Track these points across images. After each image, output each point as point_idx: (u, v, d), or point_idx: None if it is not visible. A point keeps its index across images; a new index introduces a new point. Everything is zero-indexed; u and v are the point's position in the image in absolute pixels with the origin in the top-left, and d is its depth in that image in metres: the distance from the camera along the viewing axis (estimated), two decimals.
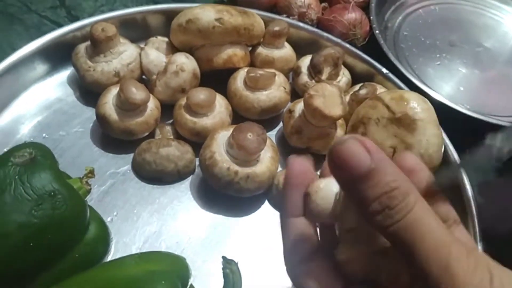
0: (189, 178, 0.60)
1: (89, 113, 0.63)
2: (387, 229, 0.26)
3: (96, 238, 0.44)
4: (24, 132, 0.61)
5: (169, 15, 0.68)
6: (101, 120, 0.58)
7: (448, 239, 0.26)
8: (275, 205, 0.59)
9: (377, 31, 0.74)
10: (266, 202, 0.59)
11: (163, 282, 0.37)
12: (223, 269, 0.41)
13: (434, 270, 0.25)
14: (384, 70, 0.68)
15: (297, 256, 0.32)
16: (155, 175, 0.58)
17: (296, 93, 0.68)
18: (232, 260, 0.41)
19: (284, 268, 0.52)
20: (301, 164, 0.33)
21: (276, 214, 0.59)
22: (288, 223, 0.33)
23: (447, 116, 0.59)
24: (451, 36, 0.87)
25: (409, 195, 0.26)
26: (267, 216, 0.58)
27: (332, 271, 0.30)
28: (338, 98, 0.58)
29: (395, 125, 0.56)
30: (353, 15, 0.76)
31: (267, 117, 0.65)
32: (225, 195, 0.57)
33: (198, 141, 0.60)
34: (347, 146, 0.27)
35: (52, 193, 0.41)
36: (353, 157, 0.26)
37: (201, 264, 0.53)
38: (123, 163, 0.60)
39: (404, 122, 0.56)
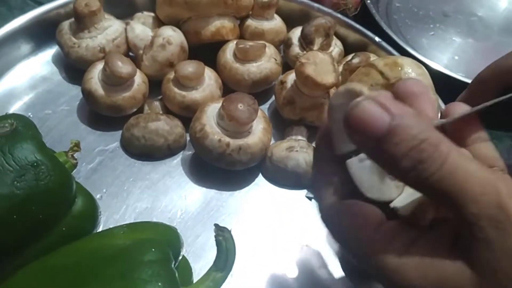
0: (180, 154, 0.59)
1: (75, 91, 0.62)
2: (423, 184, 0.25)
3: (83, 211, 0.43)
4: (9, 111, 0.59)
5: None
6: (87, 96, 0.57)
7: (492, 177, 0.25)
8: (269, 177, 0.57)
9: (368, 1, 0.72)
10: (260, 175, 0.58)
11: (153, 249, 0.36)
12: (215, 236, 0.39)
13: (485, 213, 0.24)
14: (377, 39, 0.66)
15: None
16: (145, 151, 0.56)
17: (287, 66, 0.67)
18: (224, 228, 0.40)
19: (277, 241, 0.52)
20: None
21: (270, 186, 0.57)
22: None
23: (443, 84, 0.58)
24: (444, 6, 0.85)
25: (439, 144, 0.25)
26: (261, 190, 0.57)
27: None
28: (330, 65, 0.56)
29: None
30: None
31: (259, 90, 0.63)
32: (217, 170, 0.55)
33: (187, 115, 0.58)
34: (362, 108, 0.25)
35: (35, 164, 0.39)
36: (371, 118, 0.25)
37: (194, 239, 0.52)
38: (112, 140, 0.58)
39: None
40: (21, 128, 0.41)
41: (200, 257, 0.50)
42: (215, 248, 0.49)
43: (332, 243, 0.53)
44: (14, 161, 0.39)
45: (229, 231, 0.40)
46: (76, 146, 0.46)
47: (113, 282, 0.34)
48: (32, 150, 0.40)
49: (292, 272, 0.51)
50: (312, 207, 0.56)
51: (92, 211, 0.44)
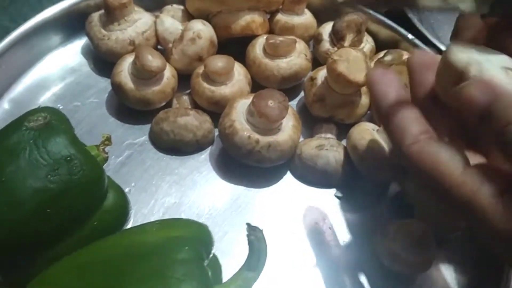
0: (208, 149, 0.58)
1: (104, 84, 0.61)
2: None
3: (115, 206, 0.43)
4: (39, 103, 0.59)
5: None
6: (117, 89, 0.56)
7: None
8: (298, 175, 0.57)
9: None
10: (288, 173, 0.57)
11: (186, 248, 0.36)
12: (248, 236, 0.39)
13: None
14: (410, 36, 0.65)
15: None
16: (173, 145, 0.56)
17: (317, 61, 0.66)
18: (257, 227, 0.39)
19: (304, 240, 0.51)
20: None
21: (299, 184, 0.56)
22: None
23: None
24: None
25: None
26: (289, 187, 0.56)
27: None
28: (363, 63, 0.55)
29: None
30: None
31: (287, 86, 0.62)
32: (245, 166, 0.55)
33: (216, 110, 0.58)
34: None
35: (68, 158, 0.39)
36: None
37: (222, 235, 0.52)
38: (140, 133, 0.58)
39: None
40: (54, 121, 0.41)
41: (227, 254, 0.49)
42: (243, 245, 0.48)
43: (365, 243, 0.52)
44: (47, 155, 0.39)
45: (261, 231, 0.40)
46: (108, 140, 0.46)
47: (147, 280, 0.34)
48: (65, 144, 0.40)
49: (319, 272, 0.50)
50: (341, 206, 0.55)
51: (123, 206, 0.44)
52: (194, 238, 0.38)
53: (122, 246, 0.37)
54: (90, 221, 0.41)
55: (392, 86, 0.36)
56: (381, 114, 0.36)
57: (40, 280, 0.36)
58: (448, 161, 0.31)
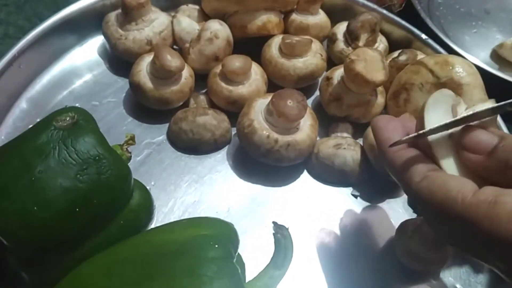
0: (225, 148, 0.59)
1: (121, 83, 0.62)
2: None
3: (140, 205, 0.43)
4: (56, 102, 0.60)
5: None
6: (136, 88, 0.57)
7: None
8: (315, 174, 0.57)
9: None
10: (305, 171, 0.58)
11: (216, 246, 0.36)
12: (274, 234, 0.40)
13: None
14: (424, 36, 0.66)
15: None
16: (192, 145, 0.57)
17: (331, 61, 0.66)
18: (283, 225, 0.40)
19: (322, 239, 0.52)
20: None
21: (316, 183, 0.57)
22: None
23: (488, 83, 0.57)
24: (486, 4, 0.84)
25: None
26: (306, 186, 0.57)
27: None
28: (380, 63, 0.56)
29: None
30: None
31: (303, 86, 0.63)
32: (262, 165, 0.55)
33: (233, 110, 0.58)
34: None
35: (97, 158, 0.40)
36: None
37: (241, 234, 0.51)
38: (158, 133, 0.58)
39: (449, 87, 0.53)
40: (82, 121, 0.42)
41: (247, 252, 0.50)
42: (262, 243, 0.49)
43: (381, 240, 0.53)
44: (77, 154, 0.39)
45: (287, 229, 0.40)
46: (132, 140, 0.46)
47: (179, 278, 0.34)
48: (93, 144, 0.40)
49: (337, 269, 0.51)
50: (357, 204, 0.56)
51: (148, 205, 0.45)
52: (222, 236, 0.38)
53: (152, 245, 0.38)
54: (117, 220, 0.42)
55: (396, 132, 0.38)
56: (387, 159, 0.37)
57: (71, 278, 0.37)
58: (459, 186, 0.31)
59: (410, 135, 0.36)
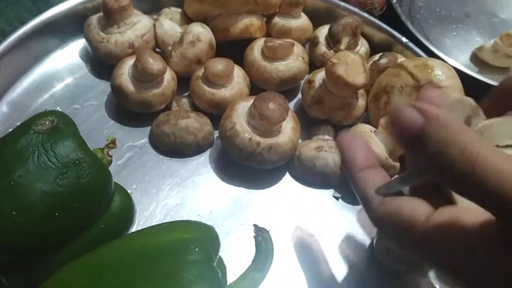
0: (208, 151, 0.59)
1: (103, 86, 0.62)
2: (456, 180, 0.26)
3: (121, 209, 0.43)
4: (37, 105, 0.59)
5: None
6: (117, 92, 0.57)
7: None
8: (297, 176, 0.58)
9: (394, 0, 0.72)
10: (287, 174, 0.58)
11: (197, 249, 0.36)
12: (255, 237, 0.40)
13: None
14: (404, 39, 0.66)
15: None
16: (174, 148, 0.57)
17: (313, 64, 0.67)
18: (264, 228, 0.40)
19: (303, 240, 0.52)
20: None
21: (298, 185, 0.57)
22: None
23: (468, 86, 0.58)
24: (466, 7, 0.85)
25: (467, 145, 0.25)
26: (288, 188, 0.57)
27: None
28: (361, 66, 0.56)
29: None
30: None
31: (285, 88, 0.63)
32: (244, 167, 0.55)
33: (216, 113, 0.58)
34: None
35: (77, 162, 0.40)
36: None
37: (223, 236, 0.52)
38: (140, 136, 0.58)
39: None
40: (62, 125, 0.42)
41: (229, 254, 0.50)
42: (244, 246, 0.49)
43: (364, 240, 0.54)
44: (56, 158, 0.39)
45: (268, 232, 0.41)
46: (112, 143, 0.46)
47: (160, 282, 0.34)
48: (73, 148, 0.40)
49: (319, 270, 0.51)
50: (339, 206, 0.56)
51: (129, 209, 0.45)
52: (202, 239, 0.39)
53: (133, 248, 0.38)
54: (98, 224, 0.42)
55: (359, 151, 0.36)
56: (350, 179, 0.36)
57: (52, 282, 0.37)
58: (411, 213, 0.30)
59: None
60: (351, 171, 0.35)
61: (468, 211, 0.28)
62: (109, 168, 0.53)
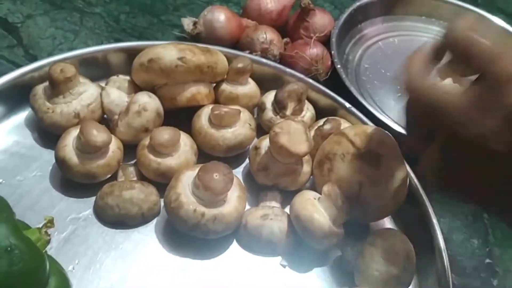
0: (154, 220, 0.58)
1: (48, 156, 0.61)
2: None
3: None
4: None
5: (131, 53, 0.67)
6: (61, 164, 0.56)
7: None
8: (244, 245, 0.58)
9: (338, 66, 0.75)
10: (234, 242, 0.58)
11: None
12: None
13: None
14: (347, 105, 0.69)
15: None
16: (118, 219, 0.56)
17: (261, 128, 0.68)
18: None
19: None
20: None
21: (245, 254, 0.57)
22: None
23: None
24: None
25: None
26: (236, 257, 0.57)
27: None
28: (304, 134, 0.58)
29: (361, 160, 0.57)
30: (314, 50, 0.77)
31: (233, 154, 0.64)
32: (191, 237, 0.55)
33: (163, 181, 0.58)
34: None
35: (9, 249, 0.39)
36: None
37: None
38: (85, 207, 0.58)
39: (369, 158, 0.56)
40: None
41: None
42: None
43: None
44: None
45: None
46: (50, 223, 0.45)
47: None
48: (6, 235, 0.39)
49: None
50: (286, 275, 0.56)
51: None
52: None
53: None
54: None
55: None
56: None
57: None
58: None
59: None
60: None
61: None
62: (51, 242, 0.53)
